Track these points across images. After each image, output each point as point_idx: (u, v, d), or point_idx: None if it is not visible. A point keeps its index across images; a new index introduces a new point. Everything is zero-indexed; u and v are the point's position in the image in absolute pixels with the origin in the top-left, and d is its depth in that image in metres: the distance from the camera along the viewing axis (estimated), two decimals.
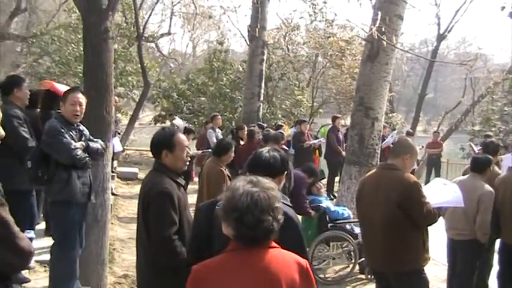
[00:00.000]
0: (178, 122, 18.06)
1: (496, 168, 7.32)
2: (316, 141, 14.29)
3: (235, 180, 2.73)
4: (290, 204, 3.46)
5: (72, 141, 5.19)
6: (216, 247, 3.41)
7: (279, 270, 2.57)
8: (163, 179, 4.01)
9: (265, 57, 18.10)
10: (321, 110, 26.02)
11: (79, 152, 5.20)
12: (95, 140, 5.53)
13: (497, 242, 6.69)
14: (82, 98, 5.34)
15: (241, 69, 23.78)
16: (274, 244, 2.67)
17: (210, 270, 2.64)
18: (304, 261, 2.70)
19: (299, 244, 3.16)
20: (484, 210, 6.08)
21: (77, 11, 15.03)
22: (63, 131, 5.16)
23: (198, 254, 3.40)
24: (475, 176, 6.38)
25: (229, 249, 2.65)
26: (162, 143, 4.11)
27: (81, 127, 5.46)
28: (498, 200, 6.39)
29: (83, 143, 5.34)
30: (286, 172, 3.73)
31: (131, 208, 10.95)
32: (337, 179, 13.20)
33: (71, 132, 5.25)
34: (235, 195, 2.59)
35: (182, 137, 4.21)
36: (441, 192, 5.38)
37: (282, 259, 2.63)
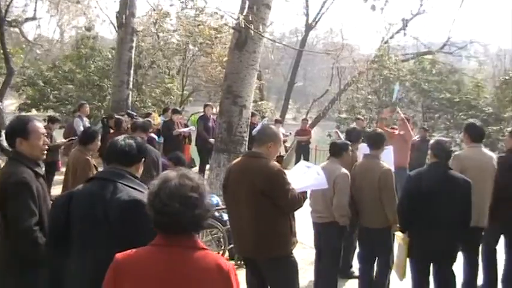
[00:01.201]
0: None
1: (357, 153, 7.62)
2: (186, 129, 14.19)
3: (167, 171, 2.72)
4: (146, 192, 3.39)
5: None
6: (74, 239, 3.32)
7: (195, 271, 2.53)
8: (20, 169, 3.83)
9: (134, 45, 17.84)
10: (191, 98, 25.97)
11: None
12: None
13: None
14: None
15: (110, 56, 23.32)
16: (201, 245, 2.63)
17: (129, 261, 2.58)
18: (227, 265, 2.62)
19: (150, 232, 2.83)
20: (339, 192, 6.29)
21: None
22: None
23: (54, 246, 3.29)
24: (332, 160, 6.60)
25: (152, 243, 2.61)
26: (16, 130, 3.93)
27: None
28: (355, 186, 6.63)
29: None
30: (144, 159, 3.67)
31: None
32: (208, 166, 13.22)
33: None
34: (155, 182, 2.60)
35: (38, 124, 4.03)
36: (305, 175, 5.48)
37: (202, 260, 2.56)
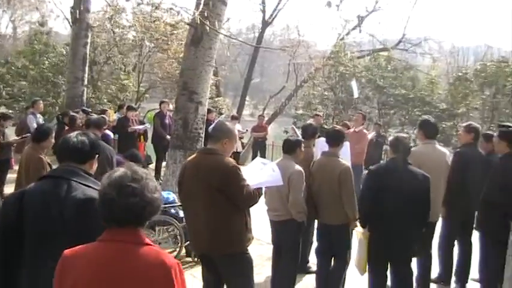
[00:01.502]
0: None
1: (314, 149, 7.64)
2: (141, 126, 14.08)
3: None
4: None
5: None
6: (27, 238, 3.25)
7: (136, 267, 2.48)
8: None
9: (89, 40, 17.64)
10: (147, 95, 25.77)
11: None
12: None
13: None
14: None
15: (64, 52, 22.93)
16: (146, 240, 2.57)
17: (75, 257, 2.54)
18: (171, 262, 2.56)
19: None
20: (294, 189, 6.28)
21: None
22: None
23: (6, 247, 3.22)
24: (286, 157, 6.58)
25: (99, 238, 2.57)
26: None
27: None
28: (315, 184, 6.67)
29: None
30: (98, 156, 3.61)
31: None
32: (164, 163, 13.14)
33: None
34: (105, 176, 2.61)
35: None
36: (260, 172, 5.49)
37: (145, 256, 2.51)
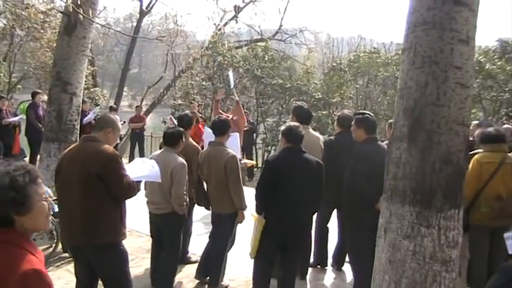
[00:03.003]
0: None
1: (190, 140, 7.68)
2: (16, 118, 13.55)
3: None
4: None
5: None
6: None
7: None
8: None
9: None
10: (19, 86, 24.71)
11: None
12: None
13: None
14: None
15: None
16: (14, 241, 2.45)
17: None
18: (29, 270, 2.36)
19: None
20: (177, 182, 6.32)
21: None
22: None
23: None
24: (167, 150, 6.61)
25: None
26: None
27: None
28: (204, 175, 6.77)
29: None
30: None
31: None
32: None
33: None
34: None
35: None
36: (140, 167, 5.50)
37: (5, 259, 2.37)
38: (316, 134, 7.65)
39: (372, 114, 6.79)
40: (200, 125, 13.27)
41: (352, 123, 6.63)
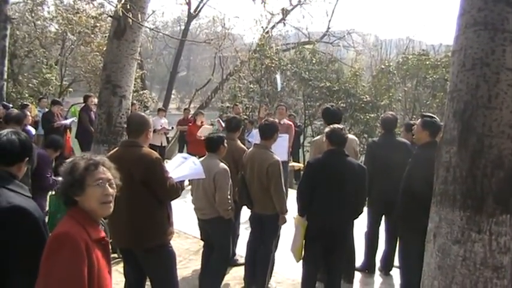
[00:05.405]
0: None
1: (239, 142, 7.70)
2: (68, 121, 13.83)
3: None
4: (28, 195, 3.18)
5: None
6: None
7: None
8: None
9: (8, 33, 17.03)
10: (71, 89, 25.21)
11: None
12: None
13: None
14: None
15: None
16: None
17: None
18: (56, 233, 2.70)
19: (35, 243, 2.89)
20: (220, 188, 6.33)
21: None
22: None
23: None
24: (210, 156, 6.62)
25: None
26: None
27: None
28: (247, 176, 6.74)
29: None
30: (28, 159, 3.37)
31: None
32: None
33: None
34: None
35: None
36: (182, 166, 5.52)
37: None
38: (351, 135, 7.58)
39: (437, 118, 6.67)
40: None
41: (418, 123, 6.53)
